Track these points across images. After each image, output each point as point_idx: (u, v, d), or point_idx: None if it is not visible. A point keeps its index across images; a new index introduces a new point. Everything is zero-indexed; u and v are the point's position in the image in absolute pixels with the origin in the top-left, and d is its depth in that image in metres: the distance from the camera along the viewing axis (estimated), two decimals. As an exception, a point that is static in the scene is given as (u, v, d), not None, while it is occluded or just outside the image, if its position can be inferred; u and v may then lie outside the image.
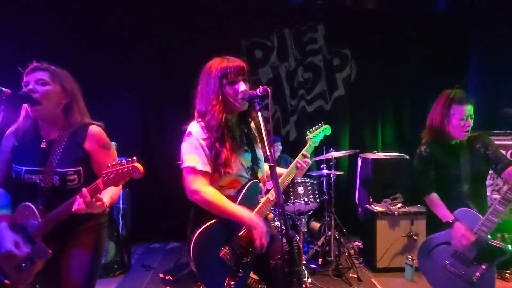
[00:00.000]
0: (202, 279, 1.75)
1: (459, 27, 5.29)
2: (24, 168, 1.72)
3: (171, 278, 3.70)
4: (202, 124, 1.77)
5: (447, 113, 2.31)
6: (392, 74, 5.50)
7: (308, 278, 3.50)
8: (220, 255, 1.73)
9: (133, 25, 4.91)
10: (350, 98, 5.48)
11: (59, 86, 1.74)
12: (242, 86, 1.75)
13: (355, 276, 3.75)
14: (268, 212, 1.90)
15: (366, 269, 3.99)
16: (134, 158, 1.52)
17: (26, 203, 1.71)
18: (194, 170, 1.72)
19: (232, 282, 1.73)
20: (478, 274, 2.12)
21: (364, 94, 5.47)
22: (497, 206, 2.02)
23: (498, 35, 4.83)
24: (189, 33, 5.03)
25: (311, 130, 2.18)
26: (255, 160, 1.89)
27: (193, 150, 1.74)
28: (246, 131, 1.91)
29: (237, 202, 1.78)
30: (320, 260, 3.98)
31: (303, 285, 3.27)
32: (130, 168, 1.50)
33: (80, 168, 1.73)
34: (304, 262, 3.72)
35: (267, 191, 1.93)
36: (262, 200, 1.86)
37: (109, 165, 1.52)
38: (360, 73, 5.48)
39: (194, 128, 1.77)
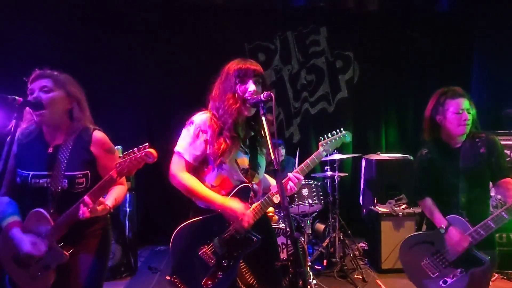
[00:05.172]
0: (178, 273, 1.79)
1: (463, 27, 5.30)
2: (31, 173, 1.73)
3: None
4: (208, 115, 1.83)
5: (441, 110, 2.20)
6: (395, 75, 5.51)
7: (313, 279, 3.51)
8: (199, 253, 1.78)
9: (139, 30, 4.97)
10: (353, 100, 5.49)
11: (63, 91, 1.76)
12: (251, 86, 1.77)
13: (360, 277, 3.76)
14: (272, 215, 1.90)
15: (371, 270, 4.00)
16: (147, 144, 1.55)
17: (37, 209, 1.71)
18: (179, 155, 1.83)
19: (209, 282, 1.75)
20: (451, 276, 2.14)
21: (367, 95, 5.49)
22: (488, 222, 2.01)
23: (501, 35, 4.82)
24: (193, 37, 5.08)
25: (326, 136, 1.97)
26: (253, 165, 1.89)
27: (187, 138, 1.83)
28: (252, 135, 1.92)
29: None
30: (325, 261, 4.00)
31: (308, 287, 3.30)
32: (144, 154, 1.53)
33: (88, 171, 1.76)
34: (309, 263, 3.73)
35: (263, 194, 1.92)
36: (253, 205, 1.81)
37: (120, 155, 1.55)
38: (363, 75, 5.49)
39: (198, 118, 1.85)
